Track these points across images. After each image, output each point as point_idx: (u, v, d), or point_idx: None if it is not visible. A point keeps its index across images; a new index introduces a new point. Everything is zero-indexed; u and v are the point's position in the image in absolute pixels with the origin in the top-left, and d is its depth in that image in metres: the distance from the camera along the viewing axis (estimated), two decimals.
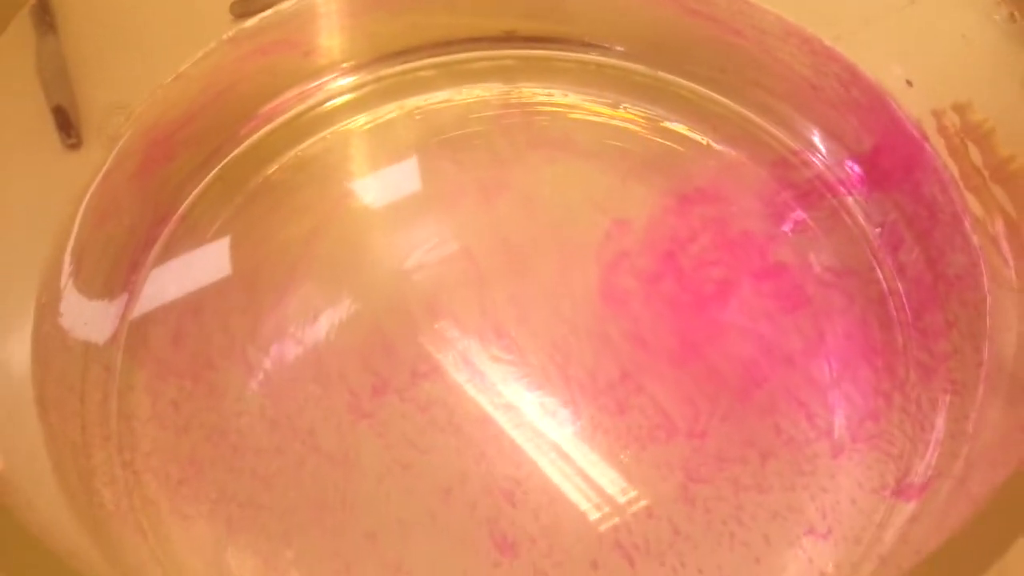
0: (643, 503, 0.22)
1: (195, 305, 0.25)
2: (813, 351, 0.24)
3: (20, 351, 0.22)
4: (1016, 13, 0.22)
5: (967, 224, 0.24)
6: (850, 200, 0.27)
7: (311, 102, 0.29)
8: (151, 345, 0.24)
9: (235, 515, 0.22)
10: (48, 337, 0.23)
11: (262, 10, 0.29)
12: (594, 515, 0.21)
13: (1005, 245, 0.23)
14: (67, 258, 0.24)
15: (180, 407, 0.23)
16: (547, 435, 0.23)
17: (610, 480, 0.22)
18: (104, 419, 0.23)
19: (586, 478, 0.22)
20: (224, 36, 0.28)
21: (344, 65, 0.30)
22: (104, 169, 0.25)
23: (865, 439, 0.22)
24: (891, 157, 0.26)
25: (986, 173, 0.24)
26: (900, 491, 0.21)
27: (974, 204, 0.24)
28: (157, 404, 0.23)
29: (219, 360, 0.24)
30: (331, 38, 0.30)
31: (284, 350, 0.24)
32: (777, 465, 0.22)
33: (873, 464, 0.22)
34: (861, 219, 0.26)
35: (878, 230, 0.26)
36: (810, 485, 0.22)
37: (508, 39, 0.30)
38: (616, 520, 0.21)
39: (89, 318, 0.24)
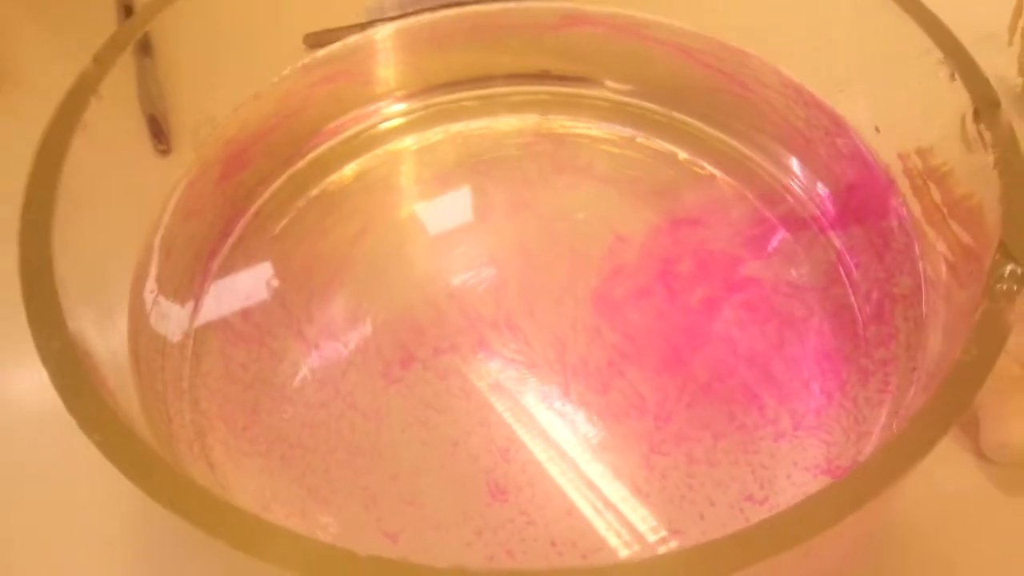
0: (611, 466, 0.24)
1: (261, 287, 0.28)
2: (772, 354, 0.26)
3: (122, 316, 0.25)
4: (955, 73, 0.24)
5: (916, 251, 0.26)
6: (824, 228, 0.29)
7: (368, 124, 0.32)
8: (225, 318, 0.27)
9: (286, 455, 0.24)
10: (141, 308, 0.25)
11: (330, 43, 0.32)
12: (571, 472, 0.24)
13: (946, 271, 0.25)
14: (157, 246, 0.26)
15: (247, 368, 0.26)
16: (541, 406, 0.25)
17: (588, 445, 0.24)
18: (179, 376, 0.26)
19: (568, 443, 0.24)
20: (297, 64, 0.31)
21: (398, 93, 0.33)
22: (190, 173, 0.28)
23: (805, 428, 0.24)
24: (862, 194, 0.29)
25: (945, 210, 0.26)
26: (830, 471, 0.24)
27: (932, 236, 0.26)
28: (229, 365, 0.26)
29: (279, 331, 0.27)
30: (387, 70, 0.33)
31: (332, 326, 0.27)
32: (727, 445, 0.24)
33: (809, 448, 0.24)
34: (830, 244, 0.29)
35: (842, 253, 0.28)
36: (752, 462, 0.24)
37: (542, 77, 0.33)
38: (588, 477, 0.24)
39: (173, 296, 0.27)
